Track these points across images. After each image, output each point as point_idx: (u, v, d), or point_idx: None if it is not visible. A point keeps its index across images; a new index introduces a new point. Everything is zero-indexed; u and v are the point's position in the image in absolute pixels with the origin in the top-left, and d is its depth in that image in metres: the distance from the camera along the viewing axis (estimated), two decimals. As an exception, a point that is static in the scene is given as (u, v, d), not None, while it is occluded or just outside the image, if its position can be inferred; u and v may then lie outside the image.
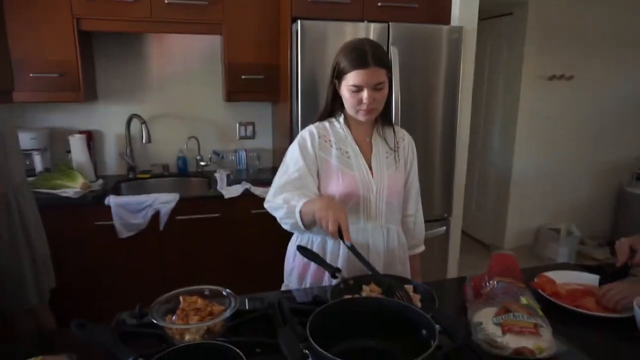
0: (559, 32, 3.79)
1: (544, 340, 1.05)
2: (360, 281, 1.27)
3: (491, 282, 1.25)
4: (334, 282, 1.28)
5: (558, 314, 1.23)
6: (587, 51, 3.91)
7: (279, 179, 1.48)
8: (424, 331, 0.92)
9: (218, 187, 2.60)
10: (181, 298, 1.08)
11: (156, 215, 2.42)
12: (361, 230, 1.50)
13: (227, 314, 1.01)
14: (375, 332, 0.98)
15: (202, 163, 2.99)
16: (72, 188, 2.37)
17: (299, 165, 1.45)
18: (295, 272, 1.57)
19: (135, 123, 2.82)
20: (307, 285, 1.54)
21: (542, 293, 1.31)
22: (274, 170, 2.98)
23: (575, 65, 3.89)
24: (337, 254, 1.49)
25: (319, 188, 1.49)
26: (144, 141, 2.75)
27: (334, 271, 1.28)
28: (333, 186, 1.46)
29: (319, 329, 0.86)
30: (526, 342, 1.04)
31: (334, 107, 1.52)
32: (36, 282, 1.86)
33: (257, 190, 2.53)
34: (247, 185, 2.56)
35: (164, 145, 2.97)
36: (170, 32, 2.74)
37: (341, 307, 0.97)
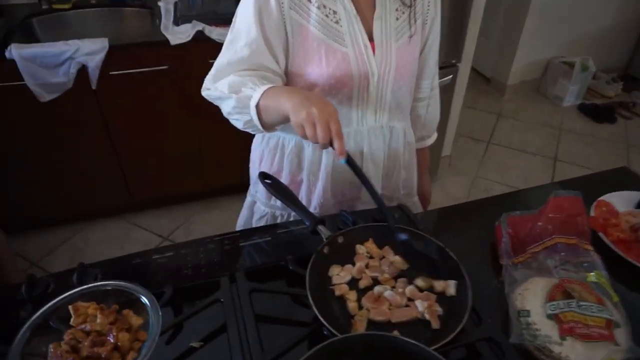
0: None
1: (620, 349, 0.73)
2: (352, 237, 0.88)
3: (545, 238, 0.86)
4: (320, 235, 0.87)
5: (628, 272, 0.89)
6: None
7: (223, 55, 0.95)
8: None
9: (162, 27, 1.94)
10: (71, 309, 0.68)
11: (83, 70, 1.83)
12: (353, 135, 1.04)
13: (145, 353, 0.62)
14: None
15: (139, -15, 2.22)
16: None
17: (252, 37, 0.90)
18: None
19: None
20: (278, 203, 1.14)
21: (605, 239, 0.95)
22: None
23: None
24: (318, 166, 1.06)
25: (286, 73, 0.97)
26: (47, -44, 1.94)
27: (314, 225, 0.86)
28: (312, 70, 0.95)
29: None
30: (594, 354, 0.72)
31: None
32: None
33: (213, 32, 1.91)
34: (200, 26, 1.91)
35: (82, -41, 2.15)
36: None
37: (334, 349, 0.59)
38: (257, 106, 0.85)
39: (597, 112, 3.35)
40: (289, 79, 0.98)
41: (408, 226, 0.91)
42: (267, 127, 0.90)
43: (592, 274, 0.80)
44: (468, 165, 2.88)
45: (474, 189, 2.70)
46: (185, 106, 2.08)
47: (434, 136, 1.29)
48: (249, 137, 1.15)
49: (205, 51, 1.84)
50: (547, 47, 3.53)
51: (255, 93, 0.85)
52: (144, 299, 0.69)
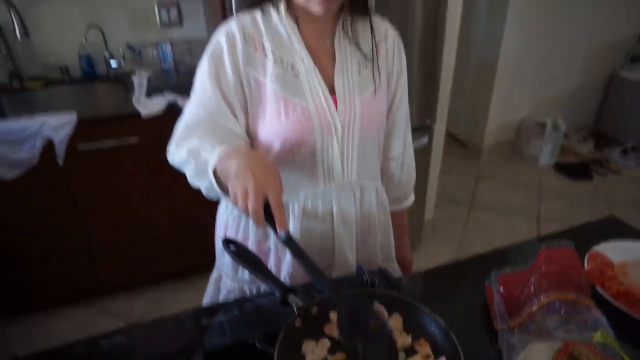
0: None
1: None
2: (327, 307, 0.77)
3: (541, 296, 0.78)
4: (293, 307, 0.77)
5: (631, 328, 0.81)
6: None
7: (184, 117, 0.91)
8: None
9: (134, 100, 1.93)
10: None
11: (50, 146, 1.77)
12: (320, 195, 0.97)
13: None
14: None
15: (114, 63, 2.24)
16: None
17: (208, 95, 0.88)
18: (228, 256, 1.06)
19: (1, 7, 1.98)
20: (245, 276, 1.05)
21: (604, 294, 0.87)
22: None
23: None
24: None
25: (247, 132, 0.93)
26: (18, 34, 1.95)
27: (284, 294, 0.76)
28: (270, 126, 0.90)
29: None
30: None
31: None
32: None
33: (184, 103, 1.89)
34: (172, 97, 1.90)
35: (56, 39, 2.17)
36: None
37: None
38: (215, 171, 0.78)
39: (573, 170, 3.39)
40: (250, 138, 0.93)
41: (390, 291, 0.81)
42: (227, 191, 0.83)
43: (597, 333, 0.71)
44: (452, 229, 2.82)
45: (460, 253, 2.62)
46: (156, 180, 2.00)
47: (411, 198, 1.23)
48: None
49: (174, 124, 1.82)
50: (518, 108, 3.64)
51: (211, 157, 0.78)
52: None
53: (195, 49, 2.37)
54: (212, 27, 2.24)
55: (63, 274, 2.06)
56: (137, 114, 1.85)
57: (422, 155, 2.33)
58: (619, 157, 3.54)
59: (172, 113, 1.88)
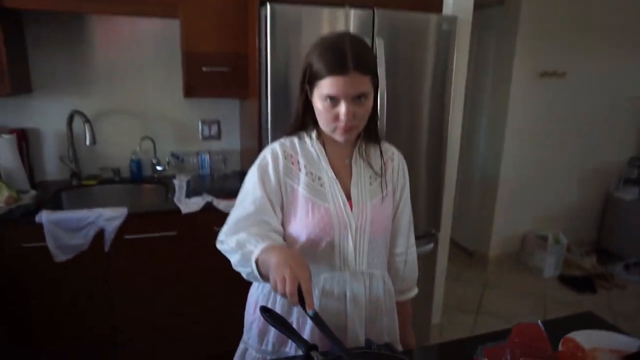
0: (552, 24, 3.52)
1: None
2: (343, 363, 0.96)
3: (515, 364, 0.95)
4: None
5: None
6: (581, 47, 3.66)
7: (234, 212, 1.17)
8: None
9: (175, 199, 2.23)
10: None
11: (100, 233, 2.04)
12: (336, 279, 1.19)
13: None
14: None
15: (159, 167, 2.60)
16: (-6, 202, 1.97)
17: (257, 196, 1.15)
18: (256, 327, 1.27)
19: (78, 121, 2.41)
20: (269, 347, 1.24)
21: (573, 372, 1.03)
22: (241, 175, 2.61)
23: (568, 62, 3.65)
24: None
25: (282, 224, 1.19)
26: (87, 142, 2.34)
27: (308, 350, 0.96)
28: (300, 222, 1.17)
29: None
30: None
31: (306, 119, 1.20)
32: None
33: (220, 204, 2.19)
34: (209, 198, 2.21)
35: (114, 146, 2.57)
36: (116, 14, 2.32)
37: None
38: (257, 261, 1.02)
39: (578, 283, 3.51)
40: (284, 230, 1.19)
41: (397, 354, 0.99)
42: (265, 278, 1.04)
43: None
44: (459, 336, 2.88)
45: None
46: (188, 268, 2.23)
47: (414, 290, 1.43)
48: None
49: (211, 220, 2.11)
50: (521, 221, 3.89)
51: (255, 250, 1.02)
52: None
53: (229, 159, 2.75)
54: (245, 141, 2.66)
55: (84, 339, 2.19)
56: (178, 211, 2.14)
57: (428, 261, 2.54)
58: (622, 272, 3.67)
59: (208, 211, 2.17)
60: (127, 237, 2.08)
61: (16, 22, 2.23)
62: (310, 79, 1.10)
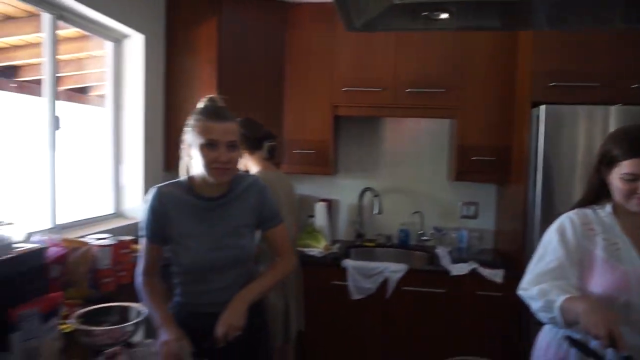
0: None
1: None
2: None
3: None
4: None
5: None
6: None
7: (534, 267, 1.45)
8: None
9: (442, 263, 2.64)
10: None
11: (384, 282, 2.58)
12: (628, 335, 1.34)
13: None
14: None
15: (424, 237, 3.10)
16: (317, 248, 2.72)
17: (558, 254, 1.40)
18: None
19: (367, 195, 3.13)
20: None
21: None
22: (495, 252, 2.92)
23: None
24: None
25: (579, 281, 1.41)
26: (375, 212, 3.01)
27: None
28: (597, 281, 1.36)
29: None
30: None
31: (599, 194, 1.46)
32: (286, 323, 2.14)
33: (484, 272, 2.49)
34: (475, 265, 2.54)
35: (389, 217, 3.19)
36: (409, 117, 3.04)
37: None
38: (560, 308, 1.28)
39: None
40: (581, 287, 1.41)
41: None
42: (569, 324, 1.28)
43: None
44: None
45: None
46: (452, 328, 2.55)
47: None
48: None
49: (475, 285, 2.45)
50: None
51: (559, 299, 1.28)
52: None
53: (484, 237, 3.06)
54: (502, 223, 2.95)
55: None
56: (446, 272, 2.53)
57: None
58: None
59: (473, 276, 2.50)
60: (404, 288, 2.56)
61: (336, 123, 3.15)
62: (608, 162, 1.39)
